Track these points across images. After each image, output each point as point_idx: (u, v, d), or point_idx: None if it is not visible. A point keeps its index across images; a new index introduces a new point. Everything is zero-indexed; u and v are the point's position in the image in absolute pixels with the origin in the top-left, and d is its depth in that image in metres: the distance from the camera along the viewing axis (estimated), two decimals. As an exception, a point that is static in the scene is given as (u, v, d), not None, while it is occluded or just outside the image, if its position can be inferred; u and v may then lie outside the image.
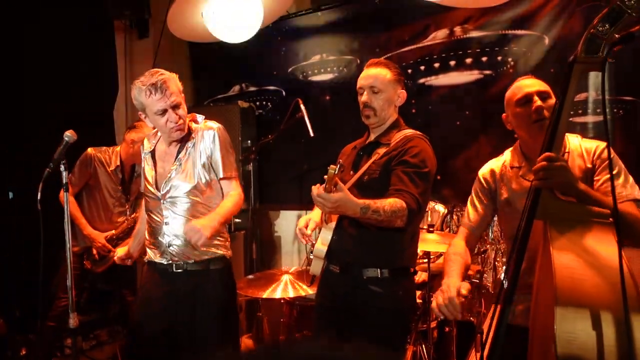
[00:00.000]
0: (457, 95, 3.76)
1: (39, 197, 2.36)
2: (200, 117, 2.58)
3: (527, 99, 1.94)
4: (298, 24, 4.45)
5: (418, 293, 3.07)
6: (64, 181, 2.36)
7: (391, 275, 2.19)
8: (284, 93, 4.55)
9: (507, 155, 2.12)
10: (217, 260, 2.48)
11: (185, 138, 2.48)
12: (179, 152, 2.49)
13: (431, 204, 3.53)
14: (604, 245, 1.48)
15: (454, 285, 1.76)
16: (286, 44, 4.52)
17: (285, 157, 4.51)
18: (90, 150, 3.60)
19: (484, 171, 2.15)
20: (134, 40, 5.17)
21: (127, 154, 3.61)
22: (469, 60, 3.71)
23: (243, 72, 4.75)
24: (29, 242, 3.99)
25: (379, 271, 2.18)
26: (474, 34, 3.67)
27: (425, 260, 3.03)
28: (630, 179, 1.82)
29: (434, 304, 1.75)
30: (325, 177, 1.91)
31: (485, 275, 3.48)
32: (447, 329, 3.28)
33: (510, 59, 3.54)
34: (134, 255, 2.79)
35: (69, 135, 2.41)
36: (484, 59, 3.64)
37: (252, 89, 4.73)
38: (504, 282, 1.66)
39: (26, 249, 4.07)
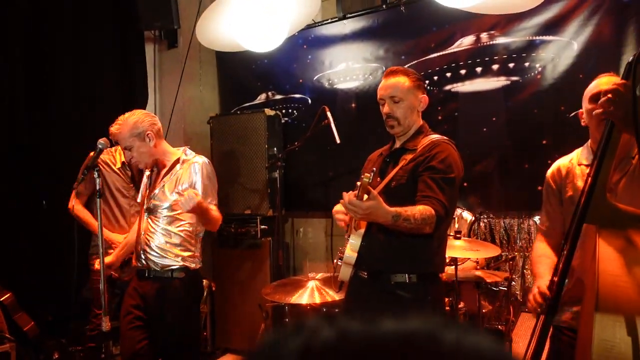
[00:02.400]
0: (484, 102, 3.74)
1: (73, 203, 2.44)
2: (189, 151, 2.88)
3: (599, 96, 1.86)
4: (324, 32, 4.49)
5: (446, 300, 3.05)
6: (97, 187, 2.43)
7: (419, 280, 2.19)
8: (310, 101, 4.59)
9: (576, 153, 2.11)
10: (180, 270, 2.73)
11: (173, 165, 2.80)
12: (165, 175, 2.80)
13: (458, 211, 3.51)
14: None
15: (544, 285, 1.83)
16: (312, 52, 4.56)
17: (311, 164, 4.54)
18: (92, 153, 3.58)
19: (550, 171, 2.15)
20: (163, 50, 5.27)
21: None
22: (495, 67, 3.68)
23: (270, 81, 4.80)
24: (60, 247, 4.10)
25: (407, 276, 2.18)
26: (501, 40, 3.66)
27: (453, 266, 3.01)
28: None
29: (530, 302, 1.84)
30: (358, 183, 1.95)
31: (513, 282, 3.44)
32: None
33: (538, 65, 3.51)
34: (117, 263, 3.06)
35: (102, 142, 2.49)
36: (511, 65, 3.61)
37: (278, 97, 4.78)
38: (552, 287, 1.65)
39: (58, 254, 4.17)
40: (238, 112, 4.92)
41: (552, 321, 1.59)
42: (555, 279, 1.65)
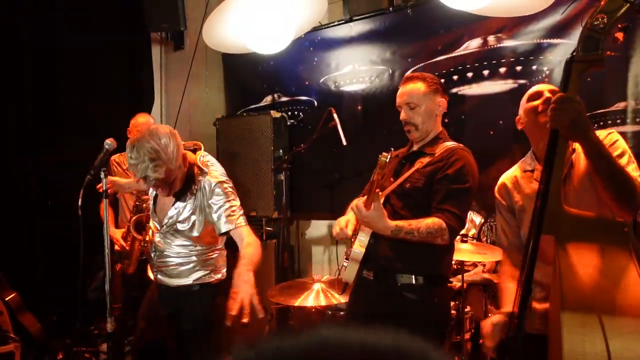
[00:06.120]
0: (491, 105, 3.72)
1: (79, 203, 2.43)
2: (206, 159, 2.53)
3: (538, 94, 1.99)
4: (330, 34, 4.49)
5: (452, 304, 3.04)
6: (104, 188, 2.42)
7: (426, 282, 2.18)
8: (316, 103, 4.58)
9: (518, 164, 2.12)
10: (198, 284, 2.54)
11: (189, 180, 2.44)
12: (181, 191, 2.45)
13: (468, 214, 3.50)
14: (615, 262, 1.42)
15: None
16: (318, 54, 4.55)
17: (317, 167, 4.53)
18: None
19: (497, 187, 2.15)
20: (169, 52, 5.29)
21: None
22: (502, 70, 3.67)
23: (276, 83, 4.80)
24: (66, 247, 4.10)
25: (413, 277, 2.18)
26: (508, 43, 3.64)
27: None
28: (634, 163, 1.76)
29: (487, 330, 1.95)
30: (382, 160, 1.95)
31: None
32: (481, 340, 3.23)
33: (545, 68, 3.50)
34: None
35: (109, 143, 2.47)
36: (518, 68, 3.60)
37: (284, 99, 4.77)
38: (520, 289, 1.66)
39: (63, 254, 4.18)
40: (244, 114, 4.92)
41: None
42: (516, 310, 1.64)
